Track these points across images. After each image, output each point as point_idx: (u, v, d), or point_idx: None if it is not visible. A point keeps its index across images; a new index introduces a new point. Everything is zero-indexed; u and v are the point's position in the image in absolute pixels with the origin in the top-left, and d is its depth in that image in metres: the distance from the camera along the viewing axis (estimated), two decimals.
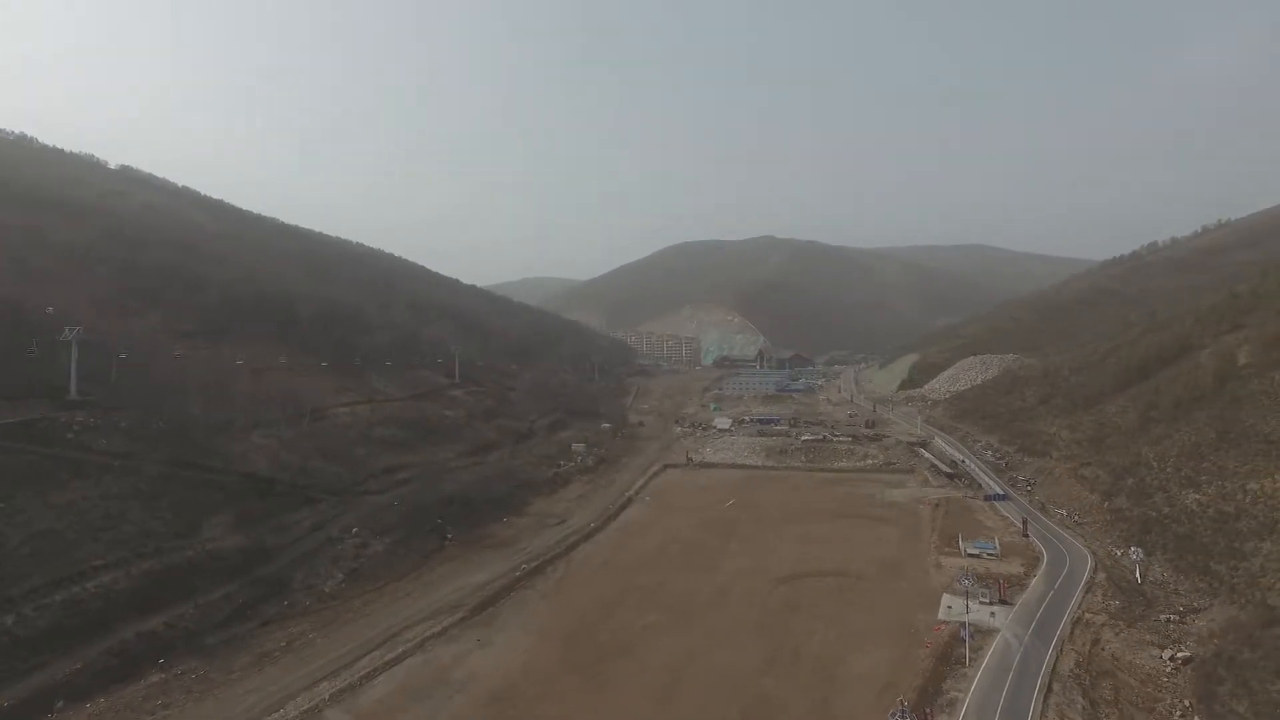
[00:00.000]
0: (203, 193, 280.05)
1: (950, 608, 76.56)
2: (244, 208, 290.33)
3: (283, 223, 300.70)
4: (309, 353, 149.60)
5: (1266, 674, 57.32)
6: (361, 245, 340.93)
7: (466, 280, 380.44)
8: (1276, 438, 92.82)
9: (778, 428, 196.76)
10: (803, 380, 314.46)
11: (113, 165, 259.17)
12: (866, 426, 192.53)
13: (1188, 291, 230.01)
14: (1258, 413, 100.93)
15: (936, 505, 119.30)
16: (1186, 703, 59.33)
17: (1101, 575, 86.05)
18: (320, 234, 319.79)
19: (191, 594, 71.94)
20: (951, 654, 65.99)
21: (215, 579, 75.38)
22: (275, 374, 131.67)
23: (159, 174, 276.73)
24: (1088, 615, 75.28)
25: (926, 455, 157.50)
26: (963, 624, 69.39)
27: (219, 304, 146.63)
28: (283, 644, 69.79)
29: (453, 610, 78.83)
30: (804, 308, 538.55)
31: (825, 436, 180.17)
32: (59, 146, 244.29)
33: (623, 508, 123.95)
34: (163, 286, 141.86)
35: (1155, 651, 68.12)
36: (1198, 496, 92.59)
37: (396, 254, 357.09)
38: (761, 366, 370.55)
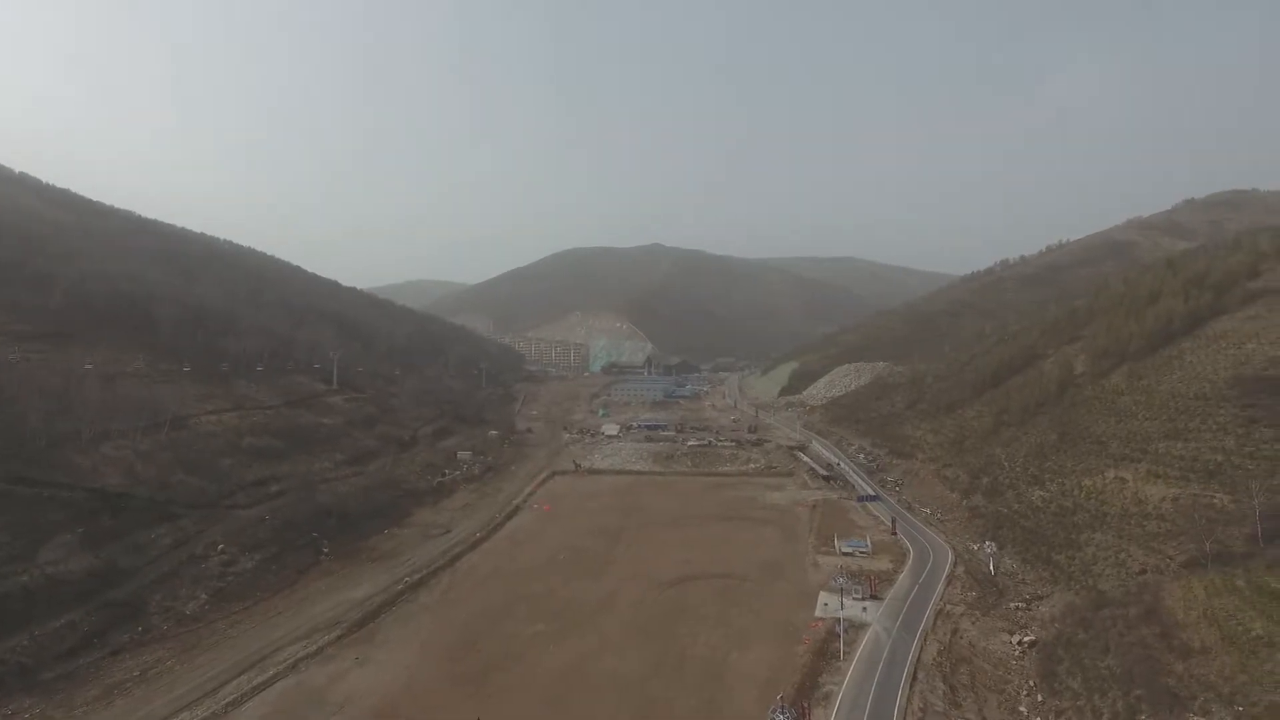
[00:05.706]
0: (45, 180, 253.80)
1: (826, 604, 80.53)
2: (93, 198, 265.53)
3: (140, 217, 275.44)
4: (169, 357, 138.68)
5: (1096, 652, 63.74)
6: (230, 243, 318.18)
7: (347, 283, 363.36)
8: (1106, 439, 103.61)
9: (665, 434, 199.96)
10: (689, 386, 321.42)
11: None
12: (749, 432, 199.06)
13: (1036, 305, 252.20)
14: (1091, 416, 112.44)
15: (814, 507, 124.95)
16: (1031, 682, 65.04)
17: (961, 569, 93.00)
18: (183, 230, 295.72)
19: (26, 624, 65.21)
20: (828, 649, 69.53)
21: (56, 606, 68.53)
22: (130, 380, 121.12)
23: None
24: (948, 606, 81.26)
25: (805, 459, 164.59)
26: (838, 620, 73.40)
27: (65, 304, 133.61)
28: (135, 673, 64.54)
29: (330, 628, 75.46)
30: (691, 315, 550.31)
31: (710, 442, 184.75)
32: None
33: (510, 516, 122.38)
34: None
35: (1006, 637, 74.36)
36: (1041, 493, 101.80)
37: (270, 253, 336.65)
38: (649, 373, 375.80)
